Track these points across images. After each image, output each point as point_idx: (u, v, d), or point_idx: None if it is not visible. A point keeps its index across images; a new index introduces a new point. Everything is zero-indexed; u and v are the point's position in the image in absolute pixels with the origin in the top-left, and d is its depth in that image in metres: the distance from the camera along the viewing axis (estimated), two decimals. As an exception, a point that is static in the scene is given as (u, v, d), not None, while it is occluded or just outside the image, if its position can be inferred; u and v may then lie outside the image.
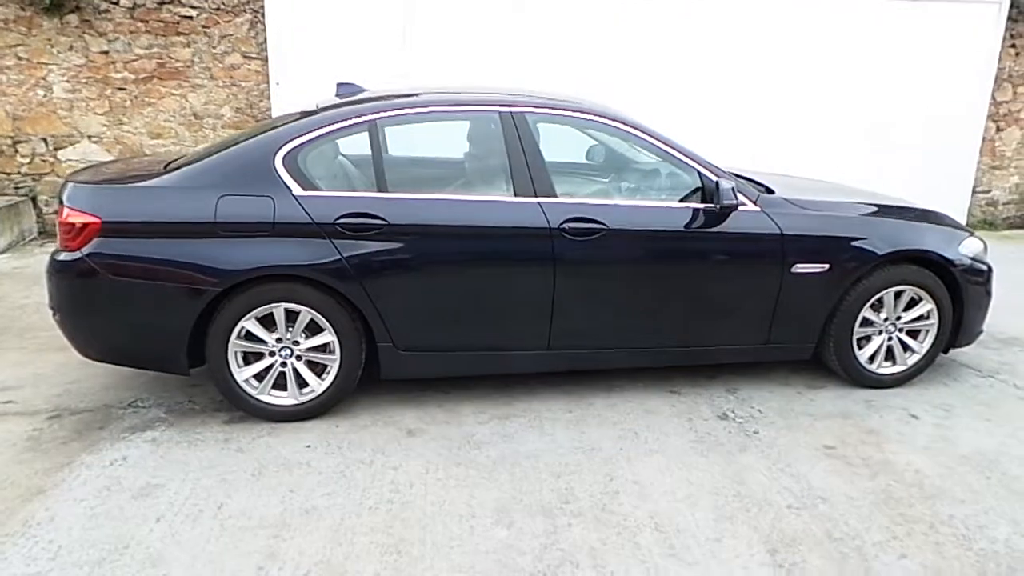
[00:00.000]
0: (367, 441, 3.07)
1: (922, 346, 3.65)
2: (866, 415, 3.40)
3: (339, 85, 3.72)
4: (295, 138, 3.11)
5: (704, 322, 3.42)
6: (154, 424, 3.19)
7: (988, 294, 3.69)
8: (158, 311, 3.01)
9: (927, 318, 3.60)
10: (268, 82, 6.60)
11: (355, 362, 3.18)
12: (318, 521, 2.52)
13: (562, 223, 3.16)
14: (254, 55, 6.57)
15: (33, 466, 2.83)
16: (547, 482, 2.80)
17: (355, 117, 3.18)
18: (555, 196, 3.21)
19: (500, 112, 3.28)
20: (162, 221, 2.97)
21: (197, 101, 6.62)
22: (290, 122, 3.23)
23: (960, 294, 3.58)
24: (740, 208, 3.31)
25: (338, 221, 3.03)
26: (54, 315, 3.15)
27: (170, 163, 3.38)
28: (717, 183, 3.26)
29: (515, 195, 3.20)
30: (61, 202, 3.05)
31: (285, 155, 3.08)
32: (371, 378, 3.28)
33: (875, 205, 3.70)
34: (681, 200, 3.38)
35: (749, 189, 3.41)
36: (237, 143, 3.21)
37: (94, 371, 3.68)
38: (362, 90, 3.71)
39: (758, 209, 3.35)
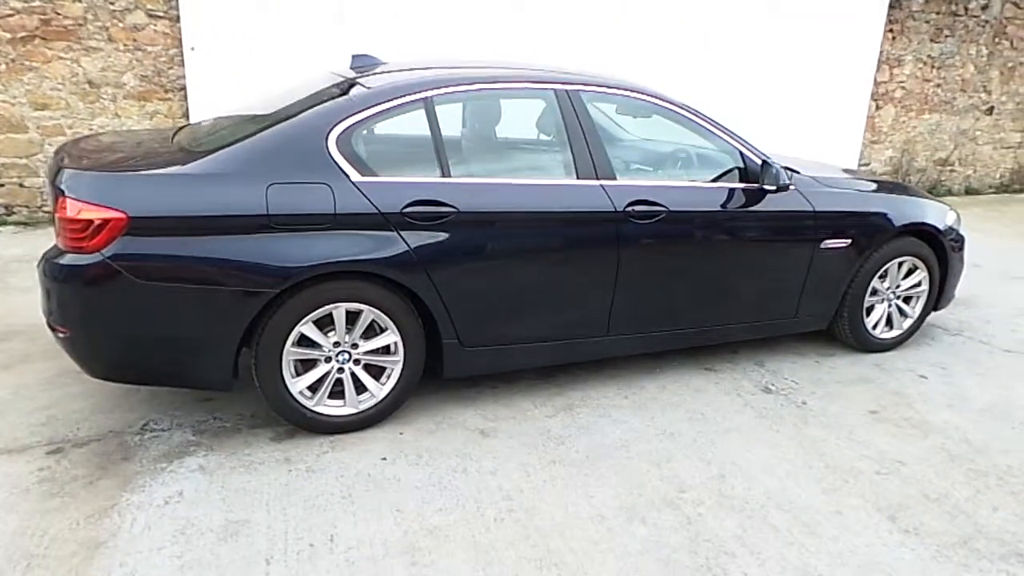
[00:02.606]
0: (444, 447, 2.85)
1: (914, 311, 3.98)
2: (884, 379, 3.66)
3: (354, 57, 3.35)
4: (347, 117, 2.76)
5: (746, 299, 3.50)
6: (189, 449, 2.76)
7: (962, 262, 4.08)
8: (200, 319, 2.59)
9: (919, 285, 3.93)
10: (180, 46, 5.84)
11: (418, 363, 2.94)
12: (448, 541, 2.31)
13: (627, 206, 3.08)
14: (161, 14, 5.77)
15: (68, 515, 2.35)
16: (650, 472, 2.75)
17: (410, 93, 2.88)
18: (614, 178, 3.12)
19: (556, 90, 3.11)
20: (205, 215, 2.53)
21: (92, 67, 5.72)
22: (327, 98, 2.87)
23: (946, 262, 3.93)
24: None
25: (405, 210, 2.75)
26: (57, 333, 2.61)
27: (178, 138, 2.90)
28: (766, 164, 3.32)
29: (577, 178, 3.07)
30: (62, 192, 2.50)
31: (339, 136, 2.73)
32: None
33: (874, 182, 3.96)
34: (716, 179, 3.41)
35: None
36: (272, 121, 2.81)
37: (67, 391, 3.14)
38: (379, 63, 3.37)
39: (793, 188, 3.46)
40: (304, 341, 2.74)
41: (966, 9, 8.64)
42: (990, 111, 9.25)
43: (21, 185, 5.80)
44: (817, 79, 7.91)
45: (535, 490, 2.60)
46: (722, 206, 3.31)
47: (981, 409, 3.38)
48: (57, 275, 2.53)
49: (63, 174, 2.56)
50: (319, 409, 2.83)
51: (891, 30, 8.32)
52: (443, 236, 2.81)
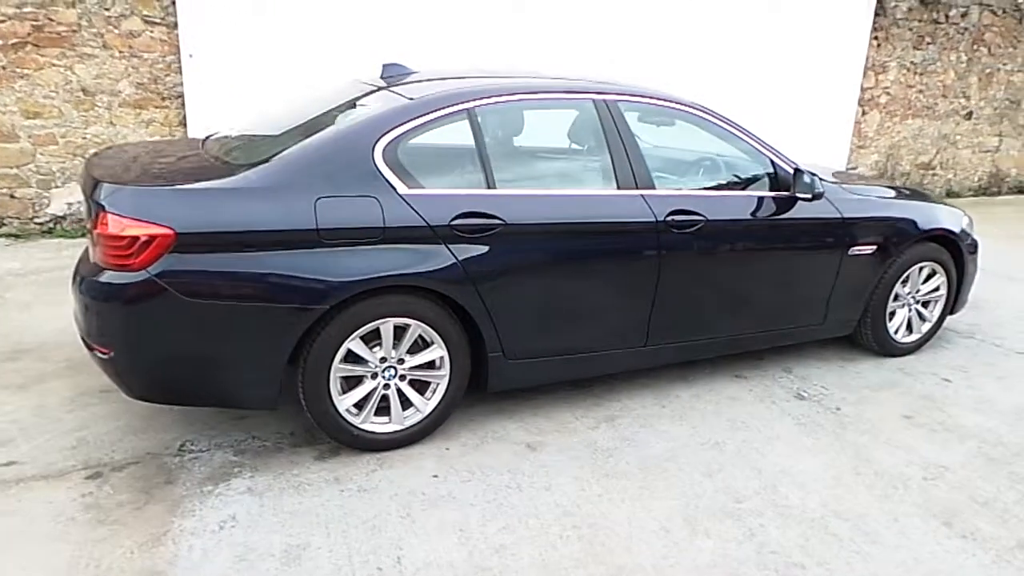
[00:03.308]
0: (493, 463, 2.81)
1: (933, 316, 4.05)
2: (910, 383, 3.71)
3: (385, 66, 3.29)
4: (393, 128, 2.71)
5: (778, 306, 3.52)
6: (233, 471, 2.68)
7: (976, 265, 4.16)
8: (249, 337, 2.52)
9: (938, 290, 3.99)
10: (178, 53, 5.70)
11: (463, 377, 2.89)
12: (516, 560, 2.27)
13: (667, 216, 3.07)
14: (158, 20, 5.63)
15: (121, 543, 2.26)
16: (704, 483, 2.74)
17: (454, 104, 2.84)
18: (654, 188, 3.11)
19: (594, 100, 3.10)
20: (253, 230, 2.46)
21: (86, 74, 5.55)
22: (367, 109, 2.81)
23: (963, 266, 4.00)
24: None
25: (453, 222, 2.71)
26: (97, 352, 2.52)
27: (210, 149, 2.83)
28: (798, 172, 3.34)
29: (618, 188, 3.05)
30: (102, 208, 2.41)
31: (384, 148, 2.68)
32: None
33: (892, 188, 4.02)
34: (746, 187, 3.43)
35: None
36: (307, 133, 2.75)
37: (92, 412, 3.03)
38: (410, 72, 3.32)
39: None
40: (350, 357, 2.69)
41: (947, 17, 8.85)
42: (969, 116, 9.49)
43: (12, 196, 5.61)
44: (807, 85, 8.03)
45: (593, 505, 2.58)
46: (756, 215, 3.33)
47: (1008, 411, 3.44)
48: (98, 293, 2.44)
49: (102, 189, 2.47)
50: (365, 426, 2.77)
51: (876, 37, 8.48)
52: (490, 248, 2.77)
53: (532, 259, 2.88)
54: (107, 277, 2.42)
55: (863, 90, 8.61)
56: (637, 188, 3.07)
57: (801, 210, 3.41)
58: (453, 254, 2.71)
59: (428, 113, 2.79)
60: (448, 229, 2.70)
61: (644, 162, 3.11)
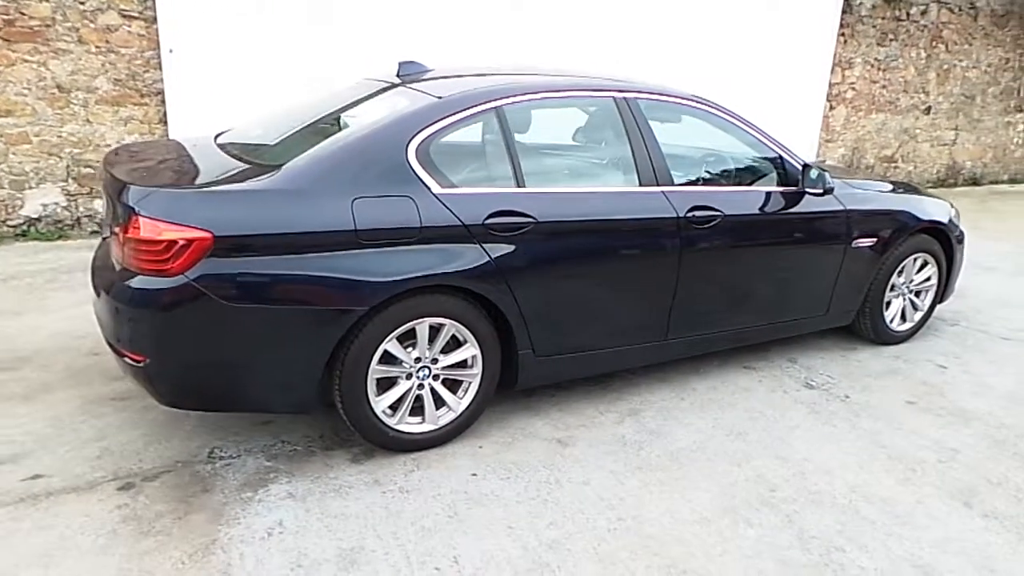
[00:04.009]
0: (528, 459, 2.83)
1: (924, 304, 4.21)
2: (909, 370, 3.85)
3: (401, 64, 3.26)
4: (425, 127, 2.70)
5: (787, 298, 3.62)
6: (269, 476, 2.64)
7: (963, 255, 4.34)
8: (289, 341, 2.48)
9: (929, 280, 4.15)
10: (157, 48, 5.54)
11: (494, 375, 2.90)
12: (571, 555, 2.30)
13: (687, 211, 3.13)
14: (136, 14, 5.45)
15: (169, 555, 2.21)
16: (734, 473, 2.81)
17: (483, 102, 2.84)
18: (673, 184, 3.17)
19: (615, 97, 3.14)
20: (292, 232, 2.43)
21: (61, 70, 5.35)
22: (395, 108, 2.79)
23: (952, 256, 4.17)
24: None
25: (487, 221, 2.71)
26: (128, 359, 2.45)
27: (228, 149, 2.79)
28: (807, 167, 3.44)
29: (640, 185, 3.10)
30: (134, 212, 2.35)
31: (418, 147, 2.67)
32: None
33: (887, 182, 4.16)
34: (753, 183, 3.52)
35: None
36: (330, 131, 2.73)
37: (108, 421, 2.96)
38: (428, 69, 3.30)
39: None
40: (386, 358, 2.67)
41: (908, 14, 9.16)
42: (928, 111, 9.85)
43: (-17, 198, 5.38)
44: (779, 81, 8.22)
45: (633, 497, 2.62)
46: (769, 209, 3.41)
47: (1005, 395, 3.60)
48: (132, 299, 2.38)
49: (133, 191, 2.40)
50: (401, 427, 2.76)
51: (843, 34, 8.73)
52: (521, 246, 2.79)
53: (561, 256, 2.91)
54: (141, 282, 2.36)
55: (831, 86, 8.86)
56: (658, 184, 3.12)
57: (809, 204, 3.51)
58: (487, 253, 2.71)
59: (459, 112, 2.78)
60: (482, 228, 2.70)
61: (664, 158, 3.16)
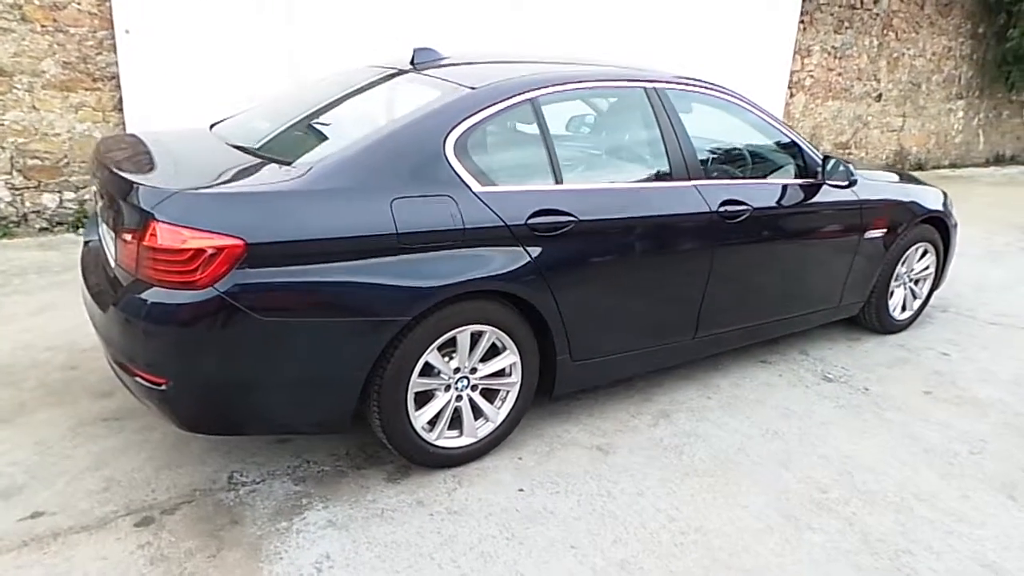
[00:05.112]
0: (572, 470, 2.70)
1: (922, 292, 4.26)
2: (916, 359, 3.89)
3: (416, 51, 3.03)
4: (462, 120, 2.50)
5: (803, 291, 3.58)
6: (302, 502, 2.42)
7: (956, 242, 4.41)
8: (328, 356, 2.27)
9: (928, 268, 4.20)
10: (111, 28, 5.09)
11: (532, 383, 2.75)
12: (645, 573, 2.18)
13: (719, 206, 3.04)
14: (86, -8, 5.00)
15: (211, 600, 1.98)
16: (780, 474, 2.75)
17: (518, 94, 2.65)
18: (703, 178, 3.07)
19: (645, 87, 3.00)
20: (329, 237, 2.20)
21: (2, 52, 4.86)
22: (423, 100, 2.59)
23: (948, 244, 4.23)
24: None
25: (529, 221, 2.54)
26: (144, 382, 2.18)
27: (227, 135, 2.54)
28: (827, 158, 3.40)
29: (672, 179, 2.98)
30: (151, 218, 2.08)
31: (455, 143, 2.47)
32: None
33: (893, 172, 4.18)
34: (769, 175, 3.46)
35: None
36: (342, 120, 2.54)
37: (104, 446, 2.70)
38: (443, 56, 3.09)
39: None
40: (424, 370, 2.48)
41: (861, 2, 9.35)
42: (879, 98, 10.11)
43: (-85, 193, 4.85)
44: (743, 70, 8.24)
45: (689, 507, 2.52)
46: (792, 202, 3.35)
47: (1010, 381, 3.67)
48: (150, 315, 2.11)
49: (146, 193, 2.13)
50: (440, 442, 2.58)
51: (803, 22, 8.83)
52: (562, 247, 2.63)
53: (599, 255, 2.76)
54: (160, 296, 2.10)
55: (791, 73, 8.97)
56: (689, 178, 3.01)
57: (828, 196, 3.48)
58: (529, 255, 2.55)
59: (495, 103, 2.59)
60: (525, 228, 2.53)
61: (694, 151, 3.06)
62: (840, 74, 9.49)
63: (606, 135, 3.17)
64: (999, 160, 12.11)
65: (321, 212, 2.22)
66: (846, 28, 9.30)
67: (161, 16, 5.15)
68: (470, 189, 2.46)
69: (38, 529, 2.22)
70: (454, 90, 2.63)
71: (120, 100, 5.24)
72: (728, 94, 3.31)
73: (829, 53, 9.26)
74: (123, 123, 5.28)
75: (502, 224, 2.48)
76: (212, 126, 3.05)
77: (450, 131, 2.47)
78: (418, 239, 2.33)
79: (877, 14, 9.55)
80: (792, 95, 9.12)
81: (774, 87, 8.75)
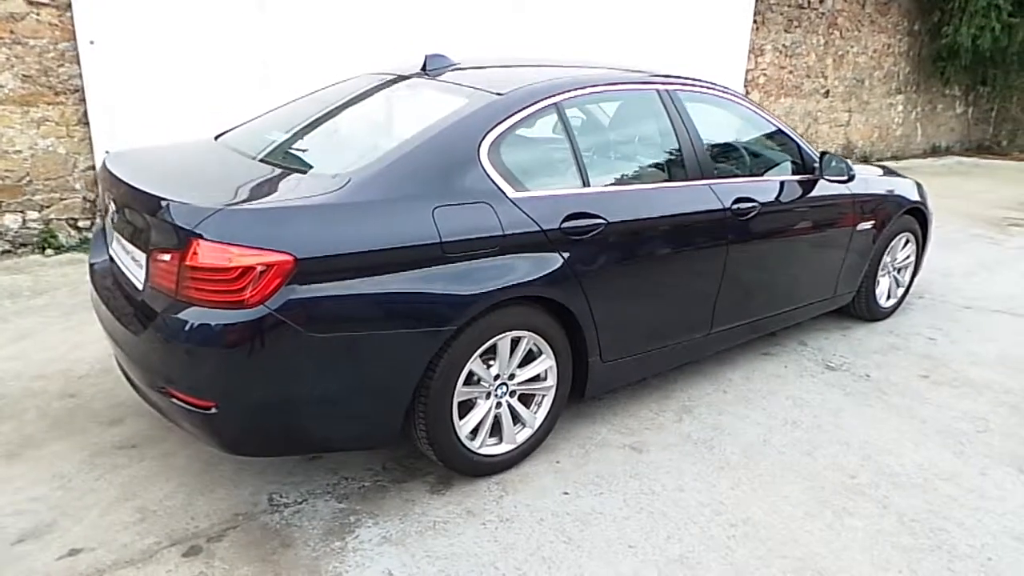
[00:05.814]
0: (611, 470, 2.72)
1: (905, 280, 4.45)
2: (907, 344, 4.06)
3: (428, 57, 3.01)
4: (494, 126, 2.50)
5: (804, 284, 3.70)
6: (350, 520, 2.37)
7: (931, 232, 4.62)
8: (378, 369, 2.23)
9: (909, 257, 4.39)
10: (74, 39, 4.87)
11: (567, 386, 2.76)
12: (705, 567, 2.22)
13: (732, 203, 3.11)
14: (46, 1, 4.78)
15: (282, 627, 1.93)
16: (808, 463, 2.83)
17: (543, 99, 2.66)
18: (715, 177, 3.13)
19: (658, 90, 3.05)
20: (377, 249, 2.17)
21: (-42, 65, 4.60)
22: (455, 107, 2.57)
23: (927, 233, 4.42)
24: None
25: (563, 225, 2.55)
26: (197, 408, 2.10)
27: (239, 146, 2.48)
28: (825, 155, 3.52)
29: (687, 179, 3.04)
30: (193, 236, 2.01)
31: (489, 148, 2.47)
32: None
33: (877, 166, 4.35)
34: (769, 171, 3.56)
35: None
36: (356, 128, 2.55)
37: (129, 474, 2.60)
38: (453, 63, 3.07)
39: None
40: (468, 379, 2.46)
41: (808, 2, 9.69)
42: (827, 94, 10.49)
43: None
44: (701, 69, 8.44)
45: (732, 500, 2.57)
46: (795, 197, 3.45)
47: (996, 362, 3.86)
48: (194, 336, 2.04)
49: (183, 210, 2.06)
50: (483, 451, 2.57)
51: (756, 21, 9.10)
52: (592, 249, 2.65)
53: (626, 256, 2.79)
54: (206, 316, 2.03)
55: (747, 72, 9.23)
56: (703, 178, 3.08)
57: (824, 190, 3.59)
58: (563, 258, 2.56)
59: (523, 109, 2.60)
60: (560, 233, 2.54)
61: (706, 151, 3.12)
62: (791, 72, 9.82)
63: (625, 137, 3.21)
64: (935, 151, 12.72)
65: (366, 223, 2.18)
66: (795, 27, 9.62)
67: (128, 26, 4.96)
68: (506, 195, 2.46)
69: (80, 567, 2.12)
70: (482, 96, 2.62)
71: (85, 114, 5.02)
72: (728, 93, 3.40)
73: (780, 52, 9.57)
74: (89, 137, 5.06)
75: (538, 229, 2.49)
76: (218, 137, 2.96)
77: (483, 137, 2.47)
78: (461, 247, 2.32)
79: (823, 13, 9.91)
80: (747, 93, 9.37)
81: (732, 86, 8.96)
